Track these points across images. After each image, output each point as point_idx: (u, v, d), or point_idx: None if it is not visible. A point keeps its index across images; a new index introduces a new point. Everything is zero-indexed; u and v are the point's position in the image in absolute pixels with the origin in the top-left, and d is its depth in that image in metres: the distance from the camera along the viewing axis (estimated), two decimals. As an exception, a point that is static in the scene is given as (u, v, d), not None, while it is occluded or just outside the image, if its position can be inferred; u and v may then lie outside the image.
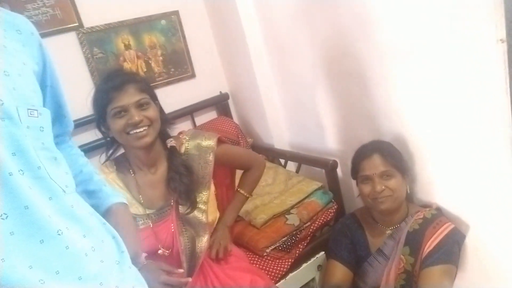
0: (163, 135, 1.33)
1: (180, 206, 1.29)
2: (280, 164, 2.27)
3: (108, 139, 1.31)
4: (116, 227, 0.82)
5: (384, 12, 1.38)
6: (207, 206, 1.34)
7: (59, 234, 0.63)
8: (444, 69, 1.26)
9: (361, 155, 1.49)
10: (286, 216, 1.75)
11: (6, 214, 0.57)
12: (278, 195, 1.89)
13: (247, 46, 2.12)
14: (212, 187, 1.40)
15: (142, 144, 1.20)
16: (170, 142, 1.33)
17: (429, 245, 1.35)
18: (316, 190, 1.88)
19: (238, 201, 1.52)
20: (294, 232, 1.71)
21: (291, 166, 2.24)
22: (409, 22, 1.31)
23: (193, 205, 1.29)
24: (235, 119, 2.52)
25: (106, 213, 0.93)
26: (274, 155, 2.31)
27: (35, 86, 0.70)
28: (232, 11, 2.09)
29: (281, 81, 2.18)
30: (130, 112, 1.18)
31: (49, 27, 1.88)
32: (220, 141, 1.41)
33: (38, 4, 1.86)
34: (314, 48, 1.82)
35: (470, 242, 1.41)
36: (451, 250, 1.34)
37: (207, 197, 1.35)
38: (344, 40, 1.62)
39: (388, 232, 1.48)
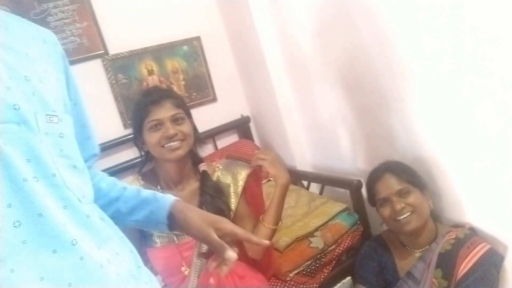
0: (194, 156, 1.36)
1: None
2: (302, 186, 2.22)
3: (143, 153, 1.35)
4: (194, 214, 0.79)
5: (405, 27, 1.37)
6: None
7: (73, 244, 0.60)
8: (471, 82, 1.22)
9: (373, 178, 1.46)
10: (310, 239, 1.68)
11: (19, 221, 0.55)
12: (301, 218, 1.83)
13: (267, 69, 2.14)
14: None
15: (174, 156, 1.22)
16: (203, 167, 1.35)
17: (463, 267, 1.26)
18: (340, 211, 1.81)
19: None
20: (318, 256, 1.64)
21: (314, 188, 2.19)
22: (429, 38, 1.29)
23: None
24: (257, 141, 2.51)
25: (173, 211, 0.83)
26: (296, 177, 2.27)
27: (57, 93, 0.69)
28: (252, 35, 2.12)
29: (302, 102, 2.17)
30: (166, 125, 1.22)
31: (76, 55, 1.96)
32: (255, 174, 1.38)
33: (67, 33, 1.95)
34: (333, 67, 1.81)
35: (510, 265, 1.31)
36: (488, 273, 1.24)
37: None
38: (365, 58, 1.60)
39: (418, 254, 1.40)
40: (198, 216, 0.81)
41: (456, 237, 1.33)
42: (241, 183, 1.34)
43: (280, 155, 2.37)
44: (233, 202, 1.32)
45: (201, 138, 1.40)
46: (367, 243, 1.58)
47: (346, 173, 1.99)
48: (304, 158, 2.28)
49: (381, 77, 1.55)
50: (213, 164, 1.41)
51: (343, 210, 1.82)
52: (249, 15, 2.06)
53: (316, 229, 1.73)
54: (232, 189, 1.34)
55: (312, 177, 2.16)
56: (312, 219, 1.79)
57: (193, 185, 1.33)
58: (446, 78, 1.29)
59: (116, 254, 0.69)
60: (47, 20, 1.89)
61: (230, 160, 1.93)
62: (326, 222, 1.76)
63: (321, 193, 2.08)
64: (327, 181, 2.04)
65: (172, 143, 1.22)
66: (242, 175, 1.36)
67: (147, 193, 0.87)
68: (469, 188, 1.39)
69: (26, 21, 0.72)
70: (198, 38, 2.30)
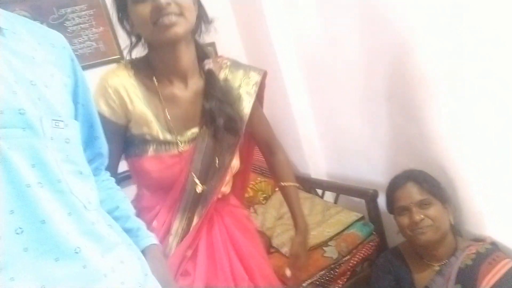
0: (198, 48, 1.07)
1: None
2: (317, 194, 2.18)
3: (133, 38, 1.02)
4: (153, 270, 0.78)
5: (424, 32, 1.32)
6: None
7: (76, 252, 0.59)
8: (494, 87, 1.17)
9: (394, 185, 1.41)
10: (324, 248, 1.65)
11: (21, 228, 0.55)
12: (315, 226, 1.79)
13: (282, 75, 2.11)
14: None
15: (170, 35, 0.90)
16: (208, 64, 1.08)
17: (485, 284, 1.20)
18: (355, 221, 1.78)
19: (294, 197, 1.24)
20: (332, 266, 1.61)
21: (329, 196, 2.14)
22: (451, 40, 1.24)
23: (238, 134, 1.08)
24: (271, 148, 2.48)
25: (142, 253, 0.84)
26: (310, 185, 2.23)
27: (63, 97, 0.69)
28: (267, 41, 2.10)
29: (316, 108, 2.13)
30: None
31: (93, 59, 1.98)
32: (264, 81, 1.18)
33: (83, 38, 1.97)
34: (349, 74, 1.78)
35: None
36: (512, 292, 1.18)
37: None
38: (382, 63, 1.57)
39: (436, 268, 1.34)
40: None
41: (477, 252, 1.27)
42: (254, 88, 1.13)
43: (294, 163, 2.35)
44: (248, 103, 1.11)
45: (206, 15, 1.05)
46: (383, 255, 1.53)
47: (361, 182, 1.94)
48: (318, 166, 2.23)
49: (398, 84, 1.51)
50: (218, 60, 1.13)
51: (359, 220, 1.78)
52: (264, 21, 2.05)
53: (331, 239, 1.69)
54: (244, 89, 1.12)
55: (326, 186, 2.12)
56: (326, 228, 1.76)
57: (197, 84, 1.06)
58: (465, 85, 1.24)
59: (121, 262, 0.68)
60: (65, 25, 1.91)
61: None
62: (341, 231, 1.73)
63: (335, 202, 2.04)
64: (342, 190, 2.00)
65: (165, 17, 0.88)
66: (256, 78, 1.14)
67: (132, 223, 0.85)
68: (491, 199, 1.33)
69: (35, 24, 0.71)
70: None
